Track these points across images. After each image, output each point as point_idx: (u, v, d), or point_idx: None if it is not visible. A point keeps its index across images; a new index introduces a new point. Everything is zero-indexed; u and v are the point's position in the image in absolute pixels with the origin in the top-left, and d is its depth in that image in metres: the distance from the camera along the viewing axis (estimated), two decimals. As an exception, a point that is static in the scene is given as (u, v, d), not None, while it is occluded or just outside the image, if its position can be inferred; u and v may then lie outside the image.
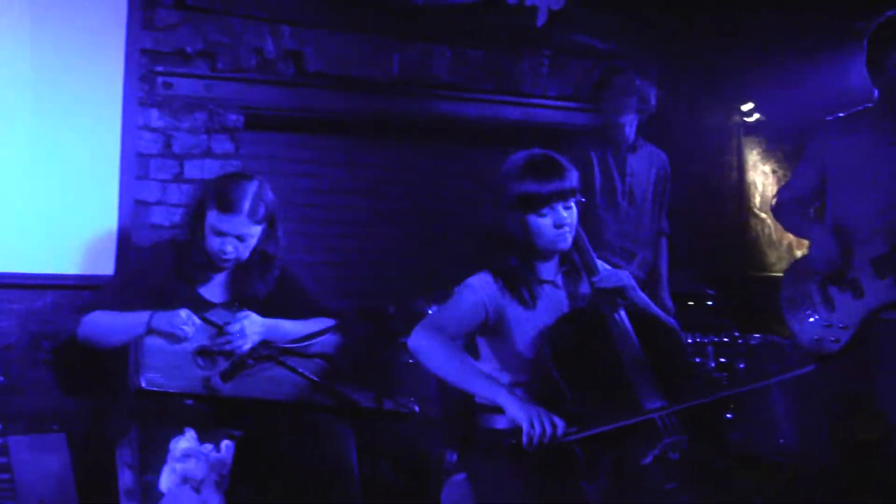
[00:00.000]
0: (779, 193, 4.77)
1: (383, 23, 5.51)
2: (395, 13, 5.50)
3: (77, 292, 4.78)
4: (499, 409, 3.34)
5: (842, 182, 4.45)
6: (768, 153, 6.76)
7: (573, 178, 3.54)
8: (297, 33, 5.31)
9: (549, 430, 3.13)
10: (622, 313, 3.54)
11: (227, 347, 4.06)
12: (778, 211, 4.70)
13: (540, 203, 3.47)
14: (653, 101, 5.51)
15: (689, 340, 5.21)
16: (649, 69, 5.70)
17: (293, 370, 4.13)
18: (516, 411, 3.20)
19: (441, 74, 5.71)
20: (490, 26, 5.79)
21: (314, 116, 5.50)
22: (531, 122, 6.05)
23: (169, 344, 4.04)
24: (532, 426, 3.13)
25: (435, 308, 3.61)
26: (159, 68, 5.03)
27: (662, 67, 6.18)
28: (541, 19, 5.88)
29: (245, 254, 4.19)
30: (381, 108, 5.61)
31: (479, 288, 3.54)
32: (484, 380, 3.33)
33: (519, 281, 3.54)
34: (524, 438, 3.13)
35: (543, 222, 3.49)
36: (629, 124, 5.55)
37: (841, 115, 4.50)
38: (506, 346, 3.57)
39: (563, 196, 3.49)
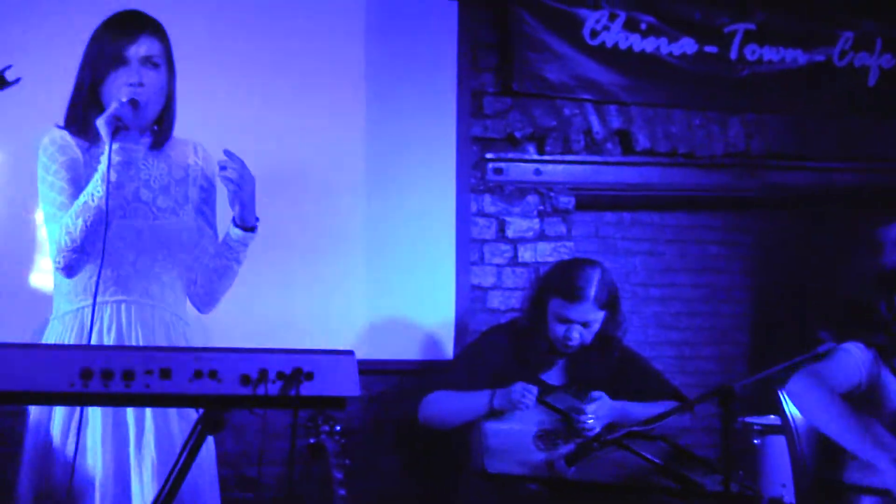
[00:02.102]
0: None
1: (711, 96, 5.42)
2: (723, 85, 5.42)
3: (418, 376, 4.88)
4: (868, 490, 3.20)
5: None
6: None
7: None
8: (623, 112, 5.29)
9: None
10: None
11: (578, 427, 4.03)
12: None
13: None
14: None
15: None
16: None
17: (637, 453, 4.05)
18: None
19: (771, 144, 5.53)
20: (819, 91, 5.60)
21: (645, 194, 5.44)
22: (869, 186, 5.78)
23: (511, 427, 4.06)
24: None
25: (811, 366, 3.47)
26: (490, 154, 5.12)
27: None
28: (872, 79, 5.65)
29: (589, 339, 4.18)
30: (712, 182, 5.49)
31: (855, 353, 3.45)
32: (866, 435, 3.23)
33: (893, 352, 3.40)
34: None
35: None
36: None
37: None
38: (884, 415, 3.43)
39: None
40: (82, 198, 3.01)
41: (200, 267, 3.35)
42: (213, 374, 2.20)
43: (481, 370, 4.25)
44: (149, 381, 2.18)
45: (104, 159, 2.98)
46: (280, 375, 2.21)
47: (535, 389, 4.05)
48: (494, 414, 4.08)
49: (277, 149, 4.72)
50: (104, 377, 2.16)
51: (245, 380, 2.20)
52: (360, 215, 4.91)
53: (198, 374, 2.19)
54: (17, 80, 2.86)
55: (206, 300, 3.40)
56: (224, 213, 3.35)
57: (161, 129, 3.26)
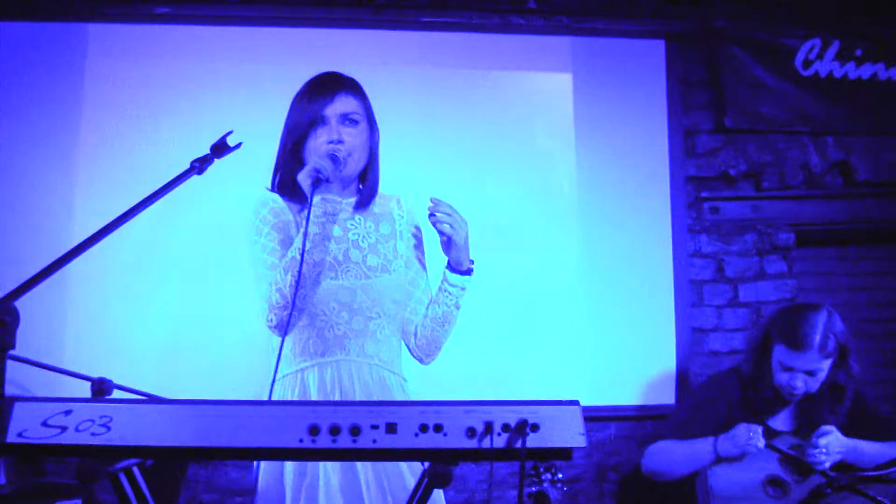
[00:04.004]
0: None
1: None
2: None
3: (639, 423, 4.81)
4: None
5: None
6: None
7: None
8: (842, 142, 5.14)
9: None
10: None
11: (809, 460, 3.90)
12: None
13: None
14: None
15: None
16: None
17: (873, 500, 3.89)
18: None
19: None
20: None
21: (867, 227, 5.26)
22: None
23: (738, 472, 3.95)
24: None
25: None
26: (705, 194, 5.04)
27: None
28: None
29: (815, 387, 4.05)
30: (941, 211, 5.29)
31: None
32: None
33: None
34: None
35: None
36: None
37: None
38: None
39: None
40: (290, 253, 3.05)
41: (419, 318, 3.37)
42: (438, 428, 2.19)
43: (708, 417, 4.16)
44: (375, 436, 2.19)
45: (306, 212, 3.03)
46: (506, 428, 2.19)
47: (759, 429, 3.93)
48: (721, 461, 3.98)
49: (489, 200, 4.77)
50: (332, 433, 2.18)
51: (471, 433, 2.19)
52: (575, 260, 4.91)
53: (423, 429, 2.20)
54: (239, 145, 2.94)
55: (427, 350, 3.39)
56: (436, 262, 3.37)
57: (366, 186, 3.31)
